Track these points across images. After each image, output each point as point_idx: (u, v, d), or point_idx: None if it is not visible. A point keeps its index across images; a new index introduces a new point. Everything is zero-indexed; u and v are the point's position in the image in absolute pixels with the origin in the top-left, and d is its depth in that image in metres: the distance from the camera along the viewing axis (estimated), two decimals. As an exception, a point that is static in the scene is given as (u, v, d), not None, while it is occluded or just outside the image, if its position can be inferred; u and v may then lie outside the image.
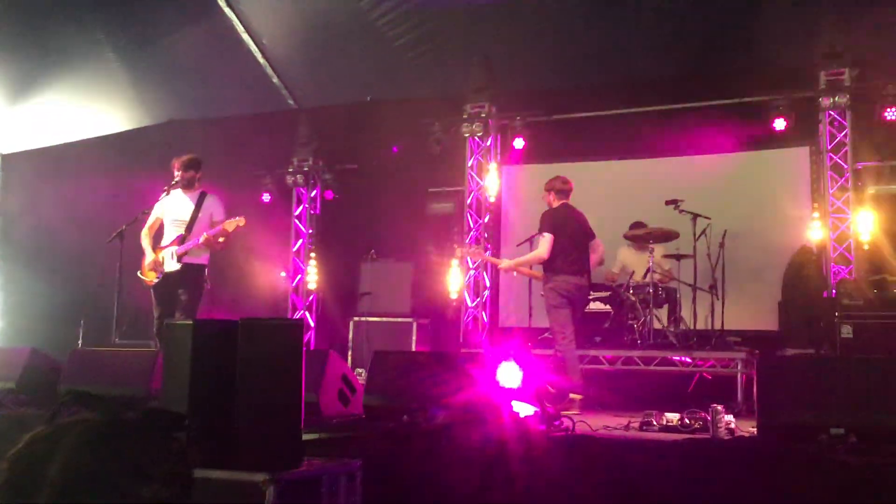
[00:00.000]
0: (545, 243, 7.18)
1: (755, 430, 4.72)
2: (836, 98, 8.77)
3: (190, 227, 7.17)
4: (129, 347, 7.38)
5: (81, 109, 11.73)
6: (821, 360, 5.97)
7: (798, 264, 8.70)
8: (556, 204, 7.41)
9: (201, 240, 7.03)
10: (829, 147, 8.92)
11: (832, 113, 8.90)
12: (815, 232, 8.92)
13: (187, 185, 7.28)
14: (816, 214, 9.02)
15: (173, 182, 7.26)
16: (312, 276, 11.34)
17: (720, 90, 9.31)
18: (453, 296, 10.39)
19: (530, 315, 8.55)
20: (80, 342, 9.85)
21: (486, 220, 10.50)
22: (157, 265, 7.11)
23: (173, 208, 7.29)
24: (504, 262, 8.19)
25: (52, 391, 6.45)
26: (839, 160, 8.88)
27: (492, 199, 10.52)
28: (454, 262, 10.23)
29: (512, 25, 9.61)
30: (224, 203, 7.38)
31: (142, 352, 6.74)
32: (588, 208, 9.67)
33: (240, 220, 7.00)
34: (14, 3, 10.21)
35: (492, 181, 10.52)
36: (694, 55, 9.22)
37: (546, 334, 7.96)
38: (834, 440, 4.18)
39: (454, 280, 10.27)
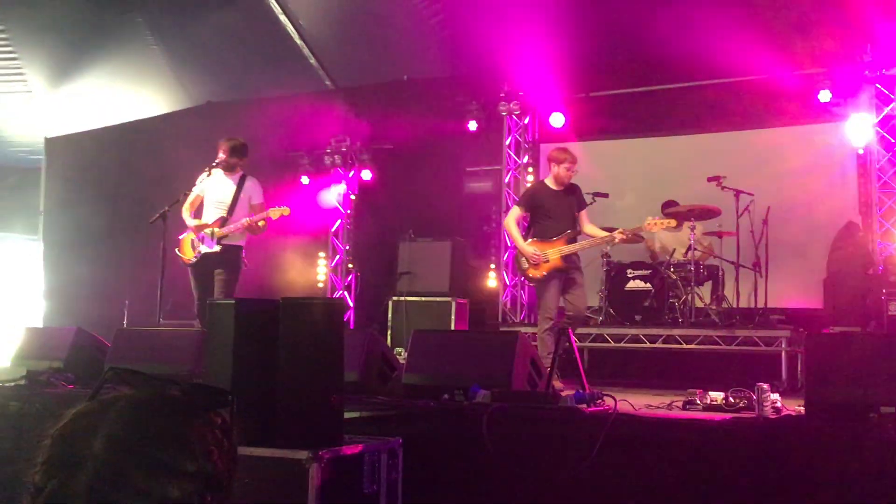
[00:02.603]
0: None
1: (802, 408, 4.64)
2: (883, 70, 8.53)
3: (231, 209, 7.25)
4: (173, 327, 7.46)
5: (121, 92, 11.85)
6: (870, 338, 5.84)
7: (844, 241, 8.53)
8: None
9: (244, 222, 7.10)
10: (876, 121, 8.70)
11: (878, 85, 8.67)
12: (861, 208, 8.72)
13: (229, 168, 7.33)
14: (861, 190, 8.82)
15: (215, 162, 7.31)
16: (351, 257, 11.38)
17: (762, 64, 9.09)
18: (491, 275, 10.37)
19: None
20: (124, 322, 10.01)
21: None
22: (199, 230, 7.19)
23: (214, 189, 7.35)
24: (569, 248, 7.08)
25: (98, 370, 6.52)
26: (886, 133, 8.66)
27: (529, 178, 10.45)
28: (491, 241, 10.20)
29: (549, 1, 9.49)
30: (262, 186, 7.44)
31: (186, 331, 6.80)
32: (628, 185, 9.63)
33: (284, 210, 7.15)
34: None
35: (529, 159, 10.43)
36: (736, 29, 9.02)
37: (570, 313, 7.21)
38: (884, 419, 4.09)
39: (491, 258, 10.23)
